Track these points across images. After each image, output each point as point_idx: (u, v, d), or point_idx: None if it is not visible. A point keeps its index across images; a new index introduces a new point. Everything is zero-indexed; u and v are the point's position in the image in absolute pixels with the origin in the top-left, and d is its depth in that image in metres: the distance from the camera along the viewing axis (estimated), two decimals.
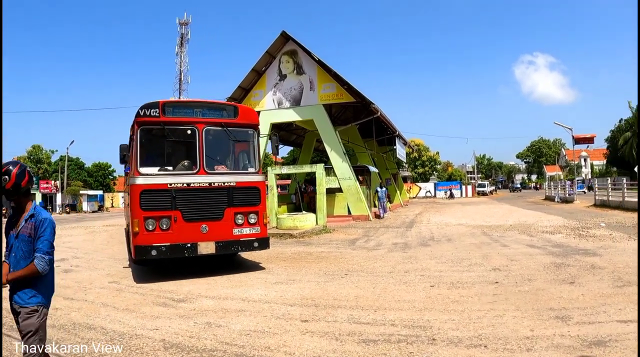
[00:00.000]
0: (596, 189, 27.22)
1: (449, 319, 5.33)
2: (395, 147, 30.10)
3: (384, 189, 23.22)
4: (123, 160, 8.72)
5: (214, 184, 8.43)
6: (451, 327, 5.04)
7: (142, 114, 8.20)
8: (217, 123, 8.73)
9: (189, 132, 8.50)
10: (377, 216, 22.43)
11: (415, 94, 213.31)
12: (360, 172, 24.60)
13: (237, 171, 9.20)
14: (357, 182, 21.95)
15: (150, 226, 7.93)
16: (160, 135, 8.42)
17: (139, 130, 8.24)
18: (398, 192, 37.61)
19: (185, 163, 8.62)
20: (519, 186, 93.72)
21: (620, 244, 10.66)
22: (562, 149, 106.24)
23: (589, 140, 52.94)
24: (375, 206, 24.34)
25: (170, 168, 8.48)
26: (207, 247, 8.26)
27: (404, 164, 56.10)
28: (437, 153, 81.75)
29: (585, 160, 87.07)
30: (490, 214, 23.87)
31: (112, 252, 12.91)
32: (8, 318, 6.93)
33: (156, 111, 8.23)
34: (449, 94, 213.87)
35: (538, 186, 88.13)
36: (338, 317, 5.60)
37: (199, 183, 8.33)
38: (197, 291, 7.31)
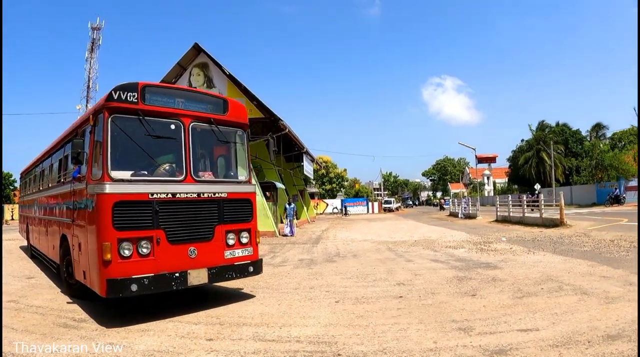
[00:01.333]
0: (498, 205, 29.24)
1: (354, 334, 5.39)
2: (302, 163, 30.60)
3: (292, 205, 23.40)
4: (77, 159, 6.75)
5: (203, 195, 6.95)
6: (356, 342, 5.09)
7: (115, 97, 6.41)
8: (205, 118, 7.32)
9: (172, 127, 6.95)
10: (285, 233, 22.43)
11: (323, 111, 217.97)
12: (267, 188, 24.92)
13: (226, 180, 7.83)
14: (264, 198, 22.08)
15: (127, 251, 6.16)
16: (137, 128, 6.66)
17: (110, 120, 6.41)
18: (305, 208, 38.02)
19: (167, 167, 7.06)
20: (411, 203, 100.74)
21: (520, 257, 11.44)
22: (466, 168, 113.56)
23: (491, 159, 57.48)
24: (282, 222, 24.38)
25: (146, 172, 6.79)
26: (198, 277, 6.71)
27: (312, 181, 56.95)
28: (345, 170, 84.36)
29: (488, 178, 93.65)
30: (395, 230, 24.76)
31: (11, 269, 11.94)
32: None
33: (134, 96, 6.53)
34: (357, 113, 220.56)
35: (442, 202, 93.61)
36: (243, 335, 5.54)
37: (187, 194, 6.78)
38: (99, 310, 6.88)
